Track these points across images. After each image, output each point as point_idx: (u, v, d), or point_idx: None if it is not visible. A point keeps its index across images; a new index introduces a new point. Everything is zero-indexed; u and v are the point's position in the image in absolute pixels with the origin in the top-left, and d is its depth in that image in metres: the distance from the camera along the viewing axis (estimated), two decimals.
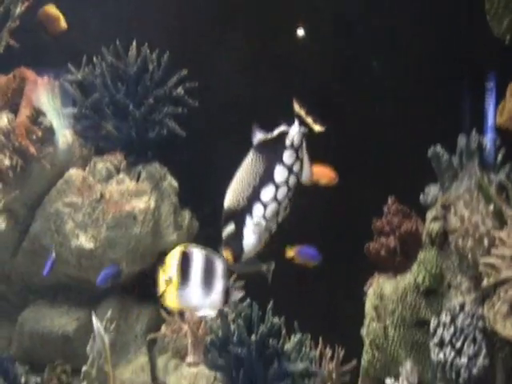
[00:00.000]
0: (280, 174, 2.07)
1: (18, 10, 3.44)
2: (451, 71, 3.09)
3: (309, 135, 2.12)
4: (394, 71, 3.23)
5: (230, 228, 2.09)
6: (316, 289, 3.24)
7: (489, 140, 2.83)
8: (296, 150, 2.10)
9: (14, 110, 3.39)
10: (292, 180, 2.11)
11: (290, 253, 2.89)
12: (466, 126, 2.96)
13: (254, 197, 2.07)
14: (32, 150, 3.24)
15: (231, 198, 2.08)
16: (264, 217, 2.05)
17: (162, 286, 1.99)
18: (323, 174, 2.74)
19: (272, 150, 2.13)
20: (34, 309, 3.38)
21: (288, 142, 2.14)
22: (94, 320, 2.87)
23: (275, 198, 2.09)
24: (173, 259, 1.98)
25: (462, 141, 2.82)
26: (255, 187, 2.08)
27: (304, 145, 2.09)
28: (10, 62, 3.39)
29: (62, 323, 3.34)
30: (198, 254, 2.01)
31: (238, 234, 2.09)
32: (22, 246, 3.38)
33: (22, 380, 3.22)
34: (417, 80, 3.17)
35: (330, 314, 3.17)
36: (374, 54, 3.29)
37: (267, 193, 2.07)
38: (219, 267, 2.01)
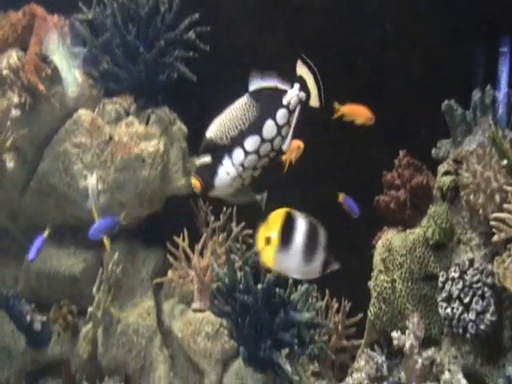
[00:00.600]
0: (269, 129, 2.04)
1: None
2: (467, 25, 2.98)
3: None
4: (408, 24, 3.11)
5: (206, 159, 2.11)
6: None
7: (503, 95, 2.75)
8: (290, 112, 2.05)
9: (24, 48, 3.31)
10: (277, 141, 2.07)
11: (341, 198, 2.86)
12: (481, 80, 2.88)
13: (238, 140, 2.04)
14: (41, 87, 3.17)
15: (215, 131, 2.07)
16: (242, 164, 2.02)
17: (260, 243, 1.94)
18: (360, 112, 2.66)
19: (267, 103, 2.09)
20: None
21: (285, 102, 2.09)
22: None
23: (257, 151, 2.05)
24: (276, 219, 1.94)
25: (476, 95, 2.74)
26: (242, 132, 2.05)
27: (298, 111, 2.03)
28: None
29: (68, 264, 3.32)
30: (302, 220, 1.96)
31: (212, 168, 2.08)
32: (30, 185, 3.33)
33: (28, 318, 3.21)
34: (431, 33, 3.06)
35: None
36: (387, 3, 3.16)
37: (252, 142, 2.04)
38: (321, 237, 1.97)
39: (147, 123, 3.24)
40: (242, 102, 2.04)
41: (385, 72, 3.13)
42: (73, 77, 3.27)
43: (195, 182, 2.10)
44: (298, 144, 2.62)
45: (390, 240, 2.71)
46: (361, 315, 2.95)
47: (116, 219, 3.04)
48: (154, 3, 3.22)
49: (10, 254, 3.51)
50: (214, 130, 2.07)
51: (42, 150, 3.30)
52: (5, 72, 3.24)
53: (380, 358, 2.70)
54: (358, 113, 2.66)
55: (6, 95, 3.30)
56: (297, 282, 2.84)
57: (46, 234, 3.01)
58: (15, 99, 3.26)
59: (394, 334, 2.58)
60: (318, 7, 3.19)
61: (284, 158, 2.65)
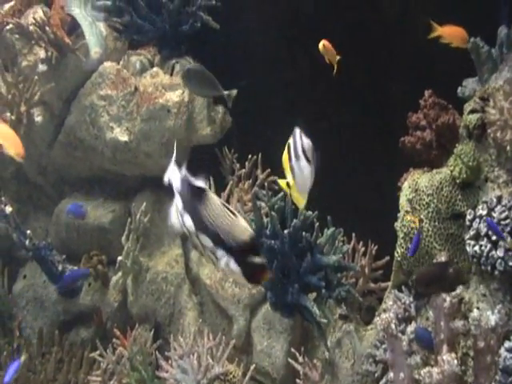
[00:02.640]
0: None
1: None
2: None
3: None
4: None
5: None
6: (350, 184, 3.11)
7: None
8: None
9: (49, 3, 3.25)
10: None
11: None
12: (507, 17, 2.75)
13: None
14: (67, 40, 3.11)
15: None
16: None
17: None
18: (456, 34, 2.55)
19: None
20: (70, 201, 3.31)
21: None
22: None
23: None
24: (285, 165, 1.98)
25: (502, 32, 2.62)
26: None
27: None
28: None
29: (97, 215, 3.28)
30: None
31: None
32: (58, 138, 3.29)
33: (60, 268, 3.19)
34: None
35: (364, 210, 3.05)
36: None
37: None
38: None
39: (172, 73, 3.17)
40: None
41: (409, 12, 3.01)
42: (97, 30, 3.19)
43: None
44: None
45: (417, 180, 2.62)
46: (387, 258, 2.85)
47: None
48: None
49: (41, 207, 3.48)
50: None
51: (68, 103, 3.25)
52: (31, 27, 3.19)
53: (408, 299, 2.63)
54: (454, 34, 2.54)
55: (33, 50, 3.26)
56: (323, 226, 2.77)
57: (22, 358, 2.96)
58: (42, 54, 3.21)
59: None
60: None
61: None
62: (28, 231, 3.11)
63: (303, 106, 3.15)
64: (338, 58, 2.63)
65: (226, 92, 2.93)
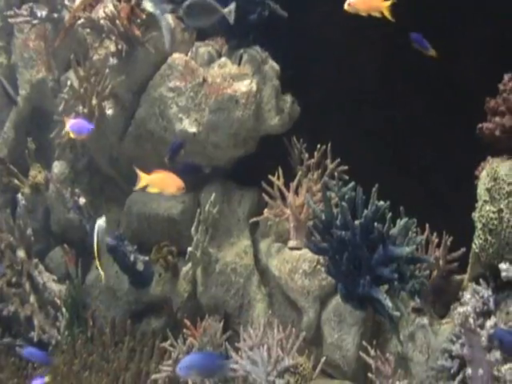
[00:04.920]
0: None
1: None
2: None
3: None
4: None
5: None
6: (423, 173, 2.90)
7: None
8: None
9: None
10: None
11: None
12: None
13: None
14: (137, 32, 3.01)
15: None
16: None
17: None
18: None
19: None
20: (141, 192, 3.20)
21: None
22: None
23: None
24: None
25: None
26: None
27: None
28: None
29: (167, 206, 3.18)
30: None
31: None
32: (129, 130, 3.21)
33: (131, 259, 3.10)
34: None
35: (438, 200, 2.83)
36: None
37: None
38: None
39: (239, 63, 3.02)
40: None
41: None
42: (166, 21, 3.08)
43: None
44: None
45: (496, 169, 2.39)
46: (463, 249, 2.63)
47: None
48: None
49: (112, 198, 3.41)
50: None
51: (138, 95, 3.16)
52: (102, 21, 3.11)
53: (486, 292, 2.41)
54: None
55: (104, 44, 3.17)
56: (395, 217, 2.58)
57: (46, 379, 2.85)
58: (112, 47, 3.13)
59: (503, 266, 2.30)
60: None
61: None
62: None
63: (374, 94, 2.96)
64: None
65: (225, 10, 2.80)
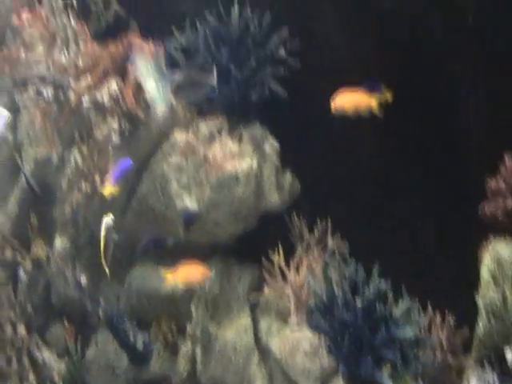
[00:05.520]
0: None
1: None
2: None
3: None
4: None
5: None
6: (426, 251, 2.83)
7: None
8: None
9: (122, 75, 3.16)
10: None
11: None
12: None
13: None
14: (140, 114, 3.00)
15: None
16: None
17: None
18: None
19: None
20: (141, 268, 3.16)
21: None
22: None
23: None
24: None
25: None
26: None
27: None
28: (118, 29, 3.16)
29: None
30: None
31: None
32: (131, 206, 3.16)
33: (131, 337, 3.01)
34: None
35: (441, 278, 2.75)
36: None
37: None
38: None
39: (240, 141, 3.00)
40: None
41: None
42: (167, 100, 3.07)
43: None
44: None
45: (499, 251, 2.32)
46: (466, 330, 2.54)
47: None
48: (244, 23, 3.00)
49: (112, 273, 3.32)
50: None
51: (140, 172, 3.12)
52: (106, 100, 3.11)
53: (492, 377, 2.30)
54: None
55: (107, 122, 3.15)
56: (397, 296, 2.51)
57: None
58: (115, 126, 3.11)
59: (508, 354, 2.20)
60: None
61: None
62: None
63: (374, 170, 2.93)
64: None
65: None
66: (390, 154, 2.88)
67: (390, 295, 2.51)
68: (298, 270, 2.88)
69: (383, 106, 2.43)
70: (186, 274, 2.75)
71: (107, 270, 2.62)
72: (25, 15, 3.28)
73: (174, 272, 2.75)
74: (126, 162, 2.78)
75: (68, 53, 3.18)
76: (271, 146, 3.01)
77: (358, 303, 2.47)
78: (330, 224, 2.92)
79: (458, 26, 2.77)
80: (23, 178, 3.28)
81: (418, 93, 2.78)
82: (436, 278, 2.77)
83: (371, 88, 2.52)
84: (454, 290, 2.61)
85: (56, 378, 3.20)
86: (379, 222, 2.92)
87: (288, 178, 3.02)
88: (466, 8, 2.73)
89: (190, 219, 2.92)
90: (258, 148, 2.98)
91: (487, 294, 2.30)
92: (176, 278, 2.75)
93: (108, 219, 2.58)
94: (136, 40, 3.14)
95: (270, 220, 3.02)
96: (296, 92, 2.97)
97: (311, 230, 2.96)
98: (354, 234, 2.84)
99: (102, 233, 2.57)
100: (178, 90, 3.03)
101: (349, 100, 2.46)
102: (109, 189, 2.73)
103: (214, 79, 2.81)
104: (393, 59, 2.85)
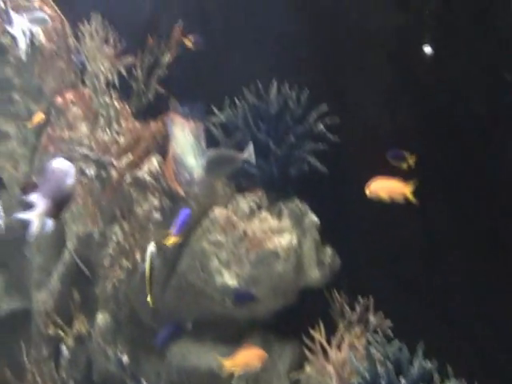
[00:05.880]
0: None
1: (166, 59, 3.31)
2: None
3: None
4: None
5: None
6: (473, 331, 2.75)
7: None
8: None
9: (163, 153, 3.22)
10: None
11: None
12: None
13: None
14: (181, 192, 3.04)
15: None
16: None
17: None
18: None
19: None
20: (181, 344, 3.13)
21: None
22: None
23: None
24: None
25: None
26: None
27: None
28: (158, 107, 3.24)
29: (208, 360, 3.06)
30: None
31: None
32: (170, 282, 3.16)
33: None
34: None
35: (489, 359, 2.66)
36: None
37: None
38: None
39: (279, 216, 3.00)
40: None
41: None
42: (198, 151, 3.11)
43: None
44: None
45: None
46: None
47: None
48: (282, 100, 3.05)
49: (153, 349, 3.31)
50: None
51: (181, 248, 3.14)
52: (147, 178, 3.16)
53: None
54: None
55: (148, 199, 3.20)
56: (444, 377, 2.43)
57: None
58: (156, 203, 3.16)
59: None
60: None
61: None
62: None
63: (415, 245, 2.89)
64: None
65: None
66: (431, 231, 2.85)
67: (436, 376, 2.43)
68: (339, 347, 2.81)
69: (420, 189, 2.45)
70: (244, 361, 2.72)
71: (150, 300, 2.60)
72: (68, 95, 3.41)
73: (231, 359, 2.73)
74: (186, 212, 2.80)
75: (110, 131, 3.27)
76: (311, 221, 3.01)
77: (403, 383, 2.40)
78: (371, 301, 2.86)
79: (496, 101, 2.77)
80: (73, 258, 3.33)
81: (455, 169, 2.76)
82: (484, 358, 2.68)
83: (394, 156, 2.58)
84: (502, 371, 2.52)
85: None
86: (423, 300, 2.86)
87: (328, 253, 3.01)
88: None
89: (244, 297, 2.89)
90: (297, 223, 2.98)
91: None
92: (234, 365, 2.72)
93: (152, 247, 2.56)
94: (176, 117, 3.21)
95: (310, 296, 2.99)
96: (335, 167, 2.98)
97: (352, 307, 2.91)
98: (396, 311, 2.77)
99: (147, 261, 2.55)
100: (215, 166, 3.07)
101: (383, 187, 2.50)
102: (172, 239, 2.75)
103: (251, 155, 2.83)
104: (431, 135, 2.85)
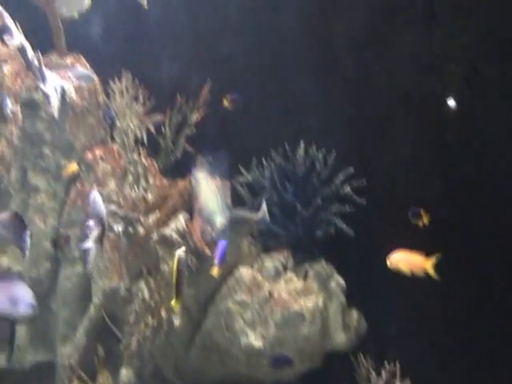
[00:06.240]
0: None
1: (194, 117, 3.35)
2: None
3: None
4: None
5: None
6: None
7: None
8: None
9: (190, 211, 3.24)
10: None
11: None
12: None
13: None
14: (207, 251, 3.05)
15: None
16: None
17: None
18: None
19: None
20: None
21: None
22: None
23: None
24: None
25: None
26: None
27: None
28: (186, 165, 3.27)
29: None
30: None
31: None
32: (195, 341, 3.15)
33: None
34: None
35: None
36: None
37: None
38: None
39: (305, 278, 3.00)
40: None
41: None
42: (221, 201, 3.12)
43: None
44: None
45: None
46: None
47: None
48: (309, 161, 3.07)
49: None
50: None
51: (205, 307, 3.14)
52: (173, 235, 3.18)
53: None
54: None
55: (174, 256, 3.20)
56: None
57: None
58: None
59: None
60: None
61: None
62: None
63: (445, 313, 2.87)
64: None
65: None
66: (458, 298, 2.83)
67: None
68: None
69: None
70: None
71: (175, 305, 2.56)
72: (98, 151, 3.46)
73: None
74: (224, 243, 2.81)
75: (138, 188, 3.30)
76: (337, 283, 3.00)
77: None
78: (398, 367, 2.83)
79: None
80: (99, 313, 3.34)
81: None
82: None
83: (413, 214, 2.59)
84: None
85: None
86: (451, 367, 2.82)
87: (354, 316, 2.99)
88: None
89: (281, 362, 2.87)
90: (323, 285, 2.98)
91: None
92: None
93: (180, 252, 2.52)
94: (203, 176, 3.24)
95: (335, 359, 2.97)
96: (362, 229, 2.98)
97: (379, 373, 2.87)
98: (424, 379, 2.74)
99: (174, 266, 2.51)
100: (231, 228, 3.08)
101: (404, 261, 2.51)
102: (217, 270, 2.75)
103: (265, 214, 2.83)
104: (458, 201, 2.85)
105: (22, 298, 2.45)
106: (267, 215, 2.83)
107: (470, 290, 2.80)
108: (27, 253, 2.48)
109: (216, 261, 2.75)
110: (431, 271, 2.46)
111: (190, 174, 3.23)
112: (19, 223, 2.45)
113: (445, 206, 2.87)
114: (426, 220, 2.61)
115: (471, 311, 2.84)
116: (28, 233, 2.44)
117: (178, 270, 2.47)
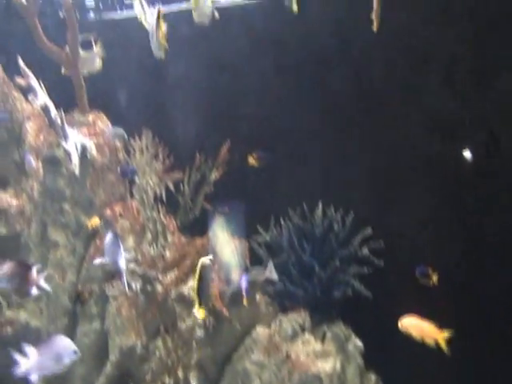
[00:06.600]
0: None
1: (213, 176, 3.39)
2: None
3: None
4: None
5: None
6: None
7: None
8: None
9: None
10: None
11: None
12: None
13: None
14: (225, 312, 3.05)
15: None
16: None
17: None
18: None
19: None
20: None
21: None
22: None
23: None
24: None
25: None
26: None
27: None
28: (204, 222, 3.30)
29: None
30: None
31: None
32: None
33: None
34: None
35: None
36: None
37: None
38: None
39: (323, 340, 2.98)
40: None
41: None
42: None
43: None
44: None
45: None
46: None
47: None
48: (327, 222, 3.08)
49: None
50: None
51: (222, 367, 3.12)
52: (191, 294, 3.18)
53: None
54: None
55: (192, 315, 3.20)
56: None
57: None
58: (200, 320, 3.16)
59: None
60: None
61: None
62: None
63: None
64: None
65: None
66: (476, 358, 2.80)
67: None
68: None
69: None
70: None
71: (197, 312, 2.51)
72: (117, 208, 3.50)
73: None
74: (246, 277, 2.81)
75: (156, 245, 3.32)
76: (355, 346, 2.99)
77: None
78: None
79: None
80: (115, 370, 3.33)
81: None
82: None
83: (421, 273, 2.58)
84: None
85: None
86: None
87: (372, 379, 2.96)
88: None
89: None
90: (341, 348, 2.96)
91: None
92: None
93: (206, 260, 2.49)
94: (221, 234, 3.26)
95: None
96: (380, 291, 2.98)
97: None
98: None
99: (197, 273, 2.49)
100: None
101: (415, 328, 2.48)
102: (246, 300, 2.81)
103: (272, 273, 2.84)
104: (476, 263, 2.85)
105: (64, 350, 2.48)
106: (275, 274, 2.83)
107: (490, 363, 2.77)
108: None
109: (244, 293, 2.80)
110: (443, 345, 2.43)
111: (207, 232, 3.27)
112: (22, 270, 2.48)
113: (464, 268, 2.86)
114: (434, 279, 2.58)
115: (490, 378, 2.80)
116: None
117: (201, 277, 2.47)
